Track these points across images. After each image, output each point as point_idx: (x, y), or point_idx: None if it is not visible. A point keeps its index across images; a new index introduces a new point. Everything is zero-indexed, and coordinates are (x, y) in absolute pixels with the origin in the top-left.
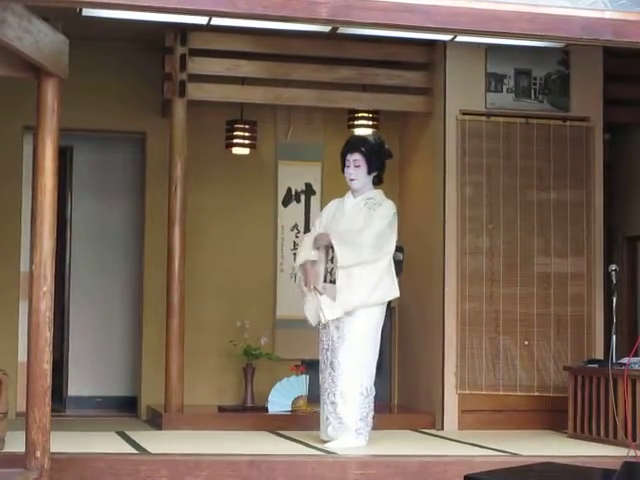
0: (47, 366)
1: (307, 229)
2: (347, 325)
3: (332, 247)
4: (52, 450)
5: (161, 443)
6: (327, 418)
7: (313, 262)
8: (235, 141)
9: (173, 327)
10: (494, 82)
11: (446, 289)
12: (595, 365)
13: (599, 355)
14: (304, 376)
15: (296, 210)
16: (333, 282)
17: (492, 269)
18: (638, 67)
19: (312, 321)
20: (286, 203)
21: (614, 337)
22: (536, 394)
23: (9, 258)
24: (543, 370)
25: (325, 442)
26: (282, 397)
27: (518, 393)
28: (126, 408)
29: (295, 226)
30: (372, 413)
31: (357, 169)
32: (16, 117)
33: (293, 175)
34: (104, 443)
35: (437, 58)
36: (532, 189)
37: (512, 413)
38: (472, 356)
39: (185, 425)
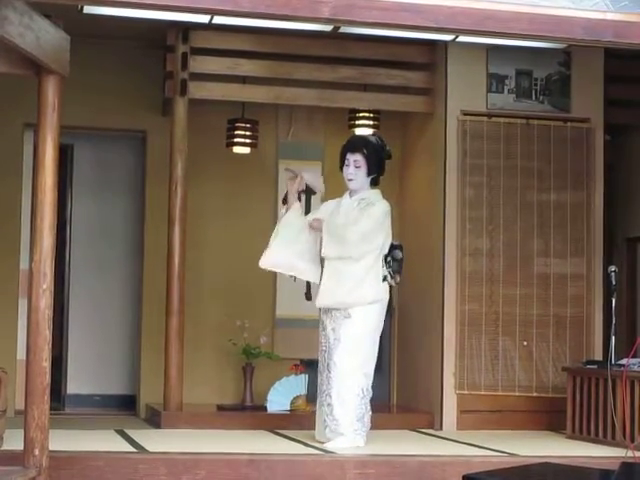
0: (46, 364)
1: None
2: (343, 327)
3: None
4: (51, 448)
5: (160, 442)
6: (324, 420)
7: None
8: (236, 140)
9: (172, 326)
10: (495, 83)
11: (446, 289)
12: (594, 366)
13: (598, 356)
14: (303, 375)
15: None
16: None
17: (492, 270)
18: (639, 68)
19: (265, 263)
20: (286, 202)
21: (613, 338)
22: (535, 395)
23: (8, 255)
24: (542, 371)
25: (322, 443)
26: (281, 396)
27: (517, 394)
28: (125, 406)
29: None
30: (369, 414)
31: (357, 169)
32: (17, 114)
33: None
34: (103, 441)
35: (438, 58)
36: (532, 190)
37: (511, 413)
38: (471, 356)
39: (184, 424)
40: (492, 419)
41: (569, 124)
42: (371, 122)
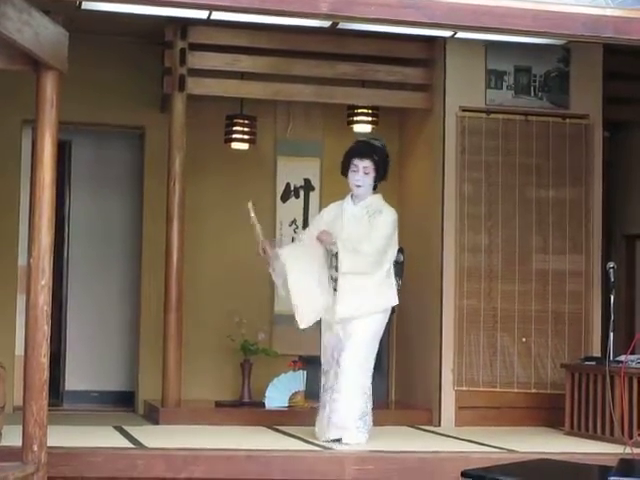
0: (44, 360)
1: (306, 225)
2: (354, 327)
3: (335, 254)
4: (49, 444)
5: (158, 438)
6: (329, 417)
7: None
8: (234, 136)
9: (171, 322)
10: (494, 79)
11: (444, 286)
12: (592, 362)
13: (596, 352)
14: (301, 372)
15: (295, 206)
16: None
17: (490, 266)
18: (638, 65)
19: (306, 322)
20: (285, 199)
21: (611, 335)
22: (533, 391)
23: (7, 252)
24: (540, 367)
25: (325, 441)
26: (279, 393)
27: (515, 390)
28: (123, 403)
29: (294, 222)
30: (371, 413)
31: (366, 176)
32: (15, 110)
33: (292, 171)
34: (101, 437)
35: (437, 54)
36: (531, 186)
37: (509, 410)
38: (470, 353)
39: (182, 420)
40: (490, 415)
41: (568, 120)
42: (369, 118)
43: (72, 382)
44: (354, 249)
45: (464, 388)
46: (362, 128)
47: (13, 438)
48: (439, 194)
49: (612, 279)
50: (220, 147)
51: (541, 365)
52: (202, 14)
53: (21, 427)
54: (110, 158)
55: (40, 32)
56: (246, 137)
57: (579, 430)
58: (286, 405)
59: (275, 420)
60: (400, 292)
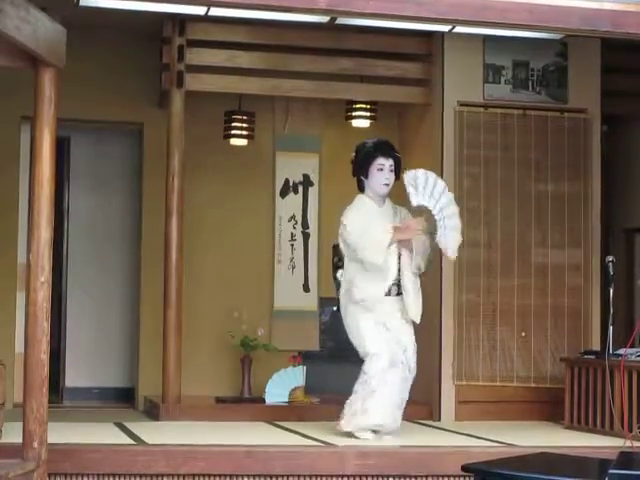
0: (44, 357)
1: (304, 220)
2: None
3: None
4: (49, 441)
5: (158, 434)
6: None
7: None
8: (233, 132)
9: (170, 318)
10: (492, 73)
11: (443, 281)
12: (592, 356)
13: (596, 346)
14: (301, 367)
15: (294, 201)
16: (400, 294)
17: (489, 261)
18: (636, 59)
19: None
20: (284, 194)
21: (611, 328)
22: (533, 385)
23: (6, 249)
24: (540, 361)
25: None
26: (279, 388)
27: (515, 384)
28: (123, 399)
29: (293, 217)
30: None
31: (391, 174)
32: (13, 107)
33: (291, 166)
34: (101, 434)
35: (435, 49)
36: (529, 181)
37: (509, 404)
38: (469, 347)
39: (182, 416)
40: (490, 410)
41: (566, 115)
42: (368, 113)
43: (72, 379)
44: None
45: (464, 383)
46: (361, 123)
47: (13, 435)
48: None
49: (611, 273)
50: (219, 143)
51: (541, 359)
52: (200, 10)
53: (21, 424)
54: (109, 154)
55: (38, 29)
56: (245, 133)
57: (579, 424)
58: (286, 400)
59: (275, 415)
60: None
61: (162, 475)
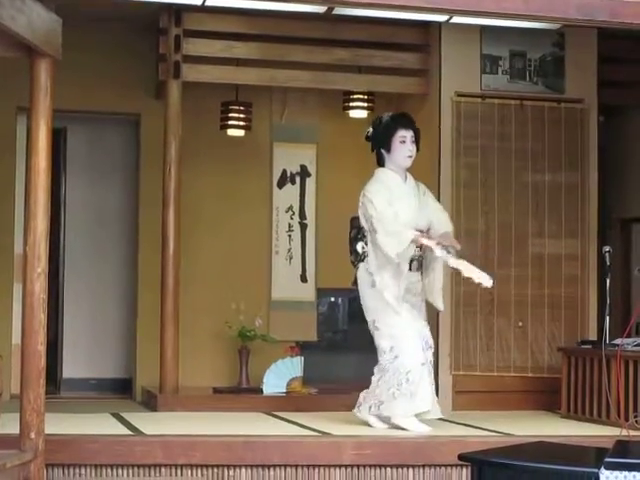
0: (41, 348)
1: (302, 211)
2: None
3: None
4: (47, 432)
5: (156, 424)
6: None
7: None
8: (230, 122)
9: (168, 309)
10: (489, 64)
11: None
12: (588, 346)
13: (592, 336)
14: (299, 357)
15: (291, 192)
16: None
17: (487, 251)
18: (633, 49)
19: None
20: (281, 185)
21: (607, 318)
22: (530, 375)
23: (3, 240)
24: (537, 351)
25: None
26: (277, 379)
27: (512, 374)
28: (121, 390)
29: (290, 208)
30: None
31: (413, 145)
32: (9, 98)
33: (288, 157)
34: (99, 425)
35: (432, 40)
36: (526, 171)
37: (506, 394)
38: (466, 337)
39: (180, 406)
40: (487, 399)
41: (563, 105)
42: (365, 104)
43: (69, 370)
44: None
45: (461, 373)
46: (358, 114)
47: (10, 426)
48: (435, 179)
49: (608, 263)
50: (216, 133)
51: (538, 349)
52: (197, 0)
53: (18, 415)
54: (106, 145)
55: (33, 19)
56: (242, 123)
57: (575, 413)
58: (284, 391)
59: (273, 406)
60: None
61: (160, 465)
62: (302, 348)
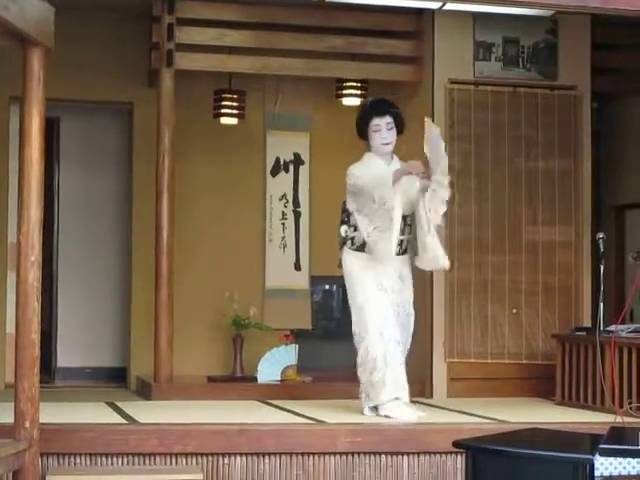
0: (35, 336)
1: (295, 199)
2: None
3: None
4: (41, 421)
5: (151, 413)
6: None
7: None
8: (223, 111)
9: (162, 298)
10: (482, 51)
11: None
12: (583, 333)
13: (587, 323)
14: (293, 346)
15: (285, 180)
16: (404, 253)
17: (480, 238)
18: (626, 36)
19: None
20: (275, 173)
21: (602, 305)
22: (524, 362)
23: None
24: (531, 338)
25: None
26: (271, 367)
27: (506, 361)
28: (115, 379)
29: (284, 196)
30: None
31: (390, 132)
32: (2, 87)
33: (282, 145)
34: (94, 413)
35: (425, 27)
36: (520, 158)
37: (500, 381)
38: (461, 325)
39: (174, 395)
40: (482, 387)
41: (556, 92)
42: (359, 91)
43: (64, 359)
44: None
45: (455, 360)
46: (351, 101)
47: (5, 415)
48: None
49: (602, 249)
50: (209, 122)
51: (532, 336)
52: None
53: (13, 404)
54: (99, 134)
55: (26, 8)
56: (235, 112)
57: (570, 400)
58: (278, 379)
59: (267, 394)
60: None
61: (154, 454)
62: (296, 336)
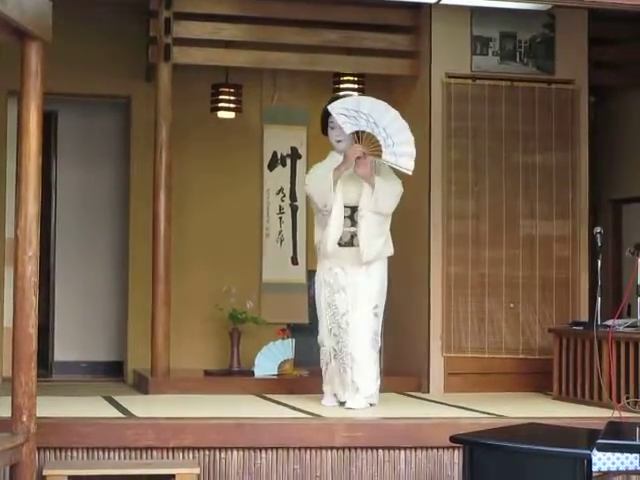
0: (32, 330)
1: (293, 193)
2: (364, 285)
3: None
4: (38, 415)
5: (147, 407)
6: (352, 381)
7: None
8: (220, 105)
9: (159, 292)
10: (479, 45)
11: (431, 252)
12: (580, 327)
13: (584, 317)
14: (290, 340)
15: (282, 174)
16: (349, 245)
17: (477, 232)
18: (623, 30)
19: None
20: (272, 167)
21: (599, 299)
22: (521, 356)
23: None
24: (528, 332)
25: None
26: (268, 361)
27: (503, 356)
28: (112, 373)
29: (281, 190)
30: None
31: (341, 130)
32: (0, 81)
33: (279, 139)
34: (91, 407)
35: (423, 21)
36: (517, 152)
37: (498, 375)
38: (458, 319)
39: (171, 389)
40: (479, 381)
41: (553, 86)
42: (356, 86)
43: (61, 353)
44: (381, 189)
45: (452, 354)
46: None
47: (2, 409)
48: (425, 160)
49: (599, 244)
50: (206, 116)
51: (529, 330)
52: None
53: (10, 398)
54: (96, 128)
55: (23, 2)
56: (232, 106)
57: (567, 395)
58: (275, 373)
59: (264, 388)
60: (388, 259)
61: (151, 448)
62: (293, 330)
